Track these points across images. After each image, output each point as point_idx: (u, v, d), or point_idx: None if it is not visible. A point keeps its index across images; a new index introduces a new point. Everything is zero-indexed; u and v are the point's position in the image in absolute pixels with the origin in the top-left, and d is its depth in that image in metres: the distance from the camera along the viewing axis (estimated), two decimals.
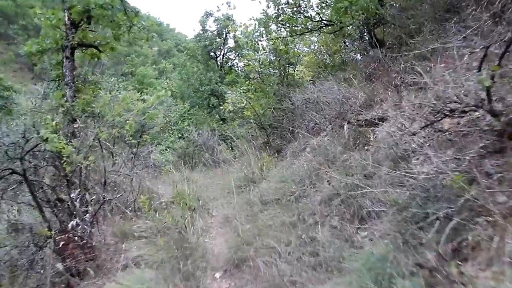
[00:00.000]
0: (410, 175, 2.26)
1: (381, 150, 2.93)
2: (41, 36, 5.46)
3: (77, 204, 3.39)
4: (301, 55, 7.64)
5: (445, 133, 2.48)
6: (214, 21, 15.30)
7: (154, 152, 8.16)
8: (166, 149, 10.17)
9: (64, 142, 3.45)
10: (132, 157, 6.00)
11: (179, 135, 11.54)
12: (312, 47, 8.42)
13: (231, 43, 15.69)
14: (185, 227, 3.30)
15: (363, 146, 3.40)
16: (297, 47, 7.54)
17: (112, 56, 7.41)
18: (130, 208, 4.09)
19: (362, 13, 5.14)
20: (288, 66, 7.11)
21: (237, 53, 15.60)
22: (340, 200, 2.67)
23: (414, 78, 3.25)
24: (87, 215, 3.37)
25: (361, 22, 5.47)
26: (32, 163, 3.60)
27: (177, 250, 2.89)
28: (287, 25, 6.97)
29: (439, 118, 2.39)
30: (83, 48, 5.47)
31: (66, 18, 5.07)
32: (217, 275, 2.73)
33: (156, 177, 6.54)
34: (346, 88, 4.54)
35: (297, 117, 5.57)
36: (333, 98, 4.50)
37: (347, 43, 7.30)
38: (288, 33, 7.00)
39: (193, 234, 3.28)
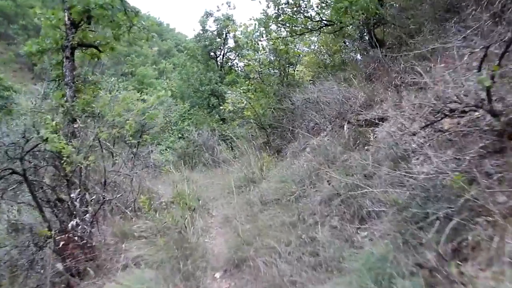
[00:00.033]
0: (410, 175, 2.25)
1: (381, 150, 2.93)
2: (41, 36, 5.47)
3: (77, 204, 3.39)
4: (301, 55, 7.64)
5: (445, 133, 2.48)
6: (214, 21, 15.31)
7: (154, 152, 8.16)
8: (166, 149, 10.17)
9: (64, 142, 3.45)
10: (132, 157, 5.99)
11: (179, 135, 11.54)
12: (312, 47, 8.42)
13: (231, 43, 15.71)
14: (185, 227, 3.30)
15: (363, 146, 3.40)
16: (297, 47, 7.53)
17: (112, 56, 7.42)
18: (130, 208, 4.09)
19: (362, 13, 5.14)
20: (288, 66, 7.10)
21: (237, 53, 15.60)
22: (340, 200, 2.67)
23: (414, 78, 3.25)
24: (87, 215, 3.37)
25: (361, 22, 5.47)
26: (32, 163, 3.60)
27: (177, 250, 2.88)
28: (287, 25, 6.97)
29: (439, 118, 2.39)
30: (83, 48, 5.47)
31: (66, 18, 5.07)
32: (217, 275, 2.73)
33: (156, 177, 6.54)
34: (346, 88, 4.54)
35: (297, 117, 5.57)
36: (333, 98, 4.50)
37: (347, 43, 7.30)
38: (288, 33, 7.00)
39: (193, 234, 3.28)
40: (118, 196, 4.08)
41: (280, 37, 6.90)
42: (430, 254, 1.66)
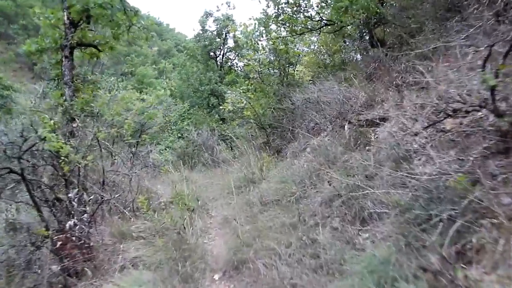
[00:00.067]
0: (412, 176, 2.22)
1: (382, 150, 2.90)
2: (40, 35, 5.44)
3: (75, 204, 3.36)
4: (301, 55, 7.61)
5: (447, 134, 2.45)
6: (214, 21, 15.27)
7: (153, 151, 8.13)
8: (165, 149, 10.13)
9: (62, 141, 3.41)
10: (131, 157, 5.96)
11: (179, 134, 11.51)
12: (312, 47, 8.40)
13: (230, 43, 15.67)
14: (184, 227, 3.27)
15: (364, 146, 3.36)
16: (297, 46, 7.50)
17: (112, 56, 7.40)
18: (129, 208, 4.06)
19: (363, 12, 5.10)
20: (288, 66, 7.07)
21: (236, 53, 15.56)
22: (341, 201, 2.64)
23: (415, 78, 3.22)
24: (85, 215, 3.34)
25: (361, 21, 5.43)
26: (31, 162, 3.57)
27: (175, 251, 2.85)
28: (287, 24, 6.94)
29: (442, 118, 2.35)
30: (82, 47, 5.45)
31: (65, 18, 5.05)
32: (216, 277, 2.69)
33: (155, 177, 6.50)
34: (347, 88, 4.51)
35: (297, 117, 5.54)
36: (333, 98, 4.46)
37: (347, 43, 7.27)
38: (288, 32, 6.97)
39: (192, 235, 3.25)
40: (116, 196, 4.04)
41: (280, 37, 6.87)
42: (434, 257, 1.62)
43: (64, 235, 3.10)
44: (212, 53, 15.61)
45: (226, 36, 15.34)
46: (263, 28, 7.51)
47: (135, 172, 4.90)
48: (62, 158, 3.41)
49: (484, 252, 1.60)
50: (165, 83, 22.34)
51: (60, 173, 3.62)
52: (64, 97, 4.83)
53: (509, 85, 2.20)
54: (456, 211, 1.77)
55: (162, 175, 6.70)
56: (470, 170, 1.97)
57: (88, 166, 3.85)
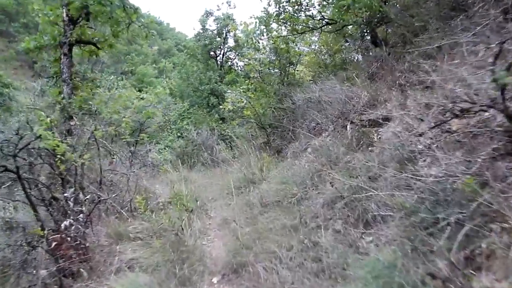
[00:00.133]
0: (418, 177, 2.15)
1: (386, 151, 2.83)
2: (39, 32, 5.38)
3: (71, 203, 3.29)
4: (301, 55, 7.55)
5: (453, 134, 2.38)
6: (214, 20, 15.18)
7: (153, 151, 8.05)
8: (164, 148, 10.06)
9: (59, 139, 3.35)
10: (130, 156, 5.89)
11: (178, 134, 11.44)
12: (313, 47, 8.34)
13: (231, 42, 15.59)
14: (182, 229, 3.20)
15: (367, 147, 3.30)
16: (297, 46, 7.44)
17: (111, 54, 7.35)
18: (126, 208, 3.99)
19: (366, 11, 5.03)
20: (289, 66, 7.01)
21: (237, 53, 15.49)
22: (343, 203, 2.57)
23: (420, 77, 3.15)
24: (81, 215, 3.27)
25: (364, 20, 5.36)
26: (27, 161, 3.51)
27: (173, 253, 2.78)
28: (288, 23, 6.87)
29: (449, 118, 2.28)
30: (81, 45, 5.40)
31: (64, 14, 5.01)
32: (215, 280, 2.62)
33: (154, 177, 6.43)
34: (349, 87, 4.44)
35: (298, 116, 5.47)
36: (335, 98, 4.40)
37: (349, 42, 7.20)
38: (289, 31, 6.90)
39: (190, 237, 3.18)
40: (113, 195, 3.97)
41: (281, 36, 6.81)
42: (442, 262, 1.55)
43: (60, 235, 3.04)
44: (212, 53, 15.53)
45: (226, 35, 15.27)
46: (264, 27, 7.44)
47: (134, 171, 4.84)
48: (58, 156, 3.36)
49: (494, 258, 1.53)
50: (165, 82, 22.28)
51: (56, 172, 3.56)
52: (62, 95, 4.77)
53: None
54: (464, 215, 1.70)
55: (161, 174, 6.63)
56: (478, 172, 1.90)
57: (85, 165, 3.79)
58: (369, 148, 3.21)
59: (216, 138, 8.89)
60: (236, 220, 3.28)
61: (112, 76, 13.18)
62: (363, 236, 2.24)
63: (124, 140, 5.42)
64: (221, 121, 12.02)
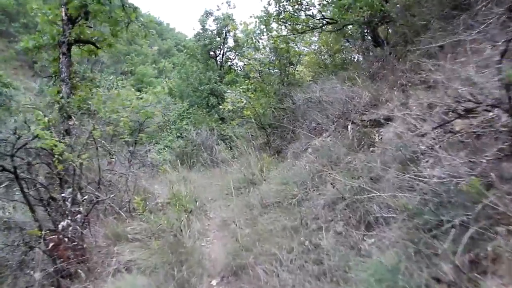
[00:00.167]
0: (421, 178, 2.11)
1: (387, 151, 2.78)
2: (38, 31, 5.35)
3: (68, 203, 3.26)
4: (301, 55, 7.51)
5: (457, 134, 2.34)
6: (214, 20, 15.14)
7: (152, 151, 8.01)
8: (164, 148, 10.02)
9: (56, 139, 3.32)
10: (129, 156, 5.85)
11: (178, 134, 11.39)
12: (313, 46, 8.30)
13: (231, 42, 15.54)
14: (181, 230, 3.16)
15: (368, 147, 3.25)
16: (297, 46, 7.41)
17: (111, 54, 7.32)
18: (125, 209, 3.95)
19: (367, 10, 4.99)
20: (289, 66, 6.97)
21: (236, 53, 15.45)
22: (345, 204, 2.52)
23: (421, 77, 3.11)
24: (79, 215, 3.23)
25: (365, 19, 5.32)
26: (25, 160, 3.47)
27: (171, 254, 2.74)
28: (288, 23, 6.83)
29: (453, 118, 2.24)
30: (80, 44, 5.36)
31: (63, 14, 4.98)
32: (214, 282, 2.58)
33: (153, 177, 6.39)
34: (350, 87, 4.40)
35: (298, 116, 5.43)
36: (336, 98, 4.36)
37: (349, 42, 7.16)
38: (289, 31, 6.87)
39: (189, 238, 3.14)
40: (112, 196, 3.93)
41: (281, 36, 6.77)
42: (447, 266, 1.51)
43: (57, 235, 3.00)
44: (212, 53, 15.49)
45: (226, 35, 15.22)
46: (264, 27, 7.41)
47: (132, 172, 4.80)
48: (56, 156, 3.32)
49: (500, 261, 1.49)
50: (165, 82, 22.26)
51: (54, 172, 3.53)
52: (61, 94, 4.73)
53: None
54: (469, 217, 1.66)
55: (160, 175, 6.59)
56: (482, 173, 1.86)
57: (84, 165, 3.75)
58: (371, 149, 3.17)
59: (215, 138, 8.84)
60: (236, 221, 3.24)
61: (112, 76, 13.15)
62: (365, 238, 2.20)
63: (123, 140, 5.39)
64: (220, 121, 11.98)
